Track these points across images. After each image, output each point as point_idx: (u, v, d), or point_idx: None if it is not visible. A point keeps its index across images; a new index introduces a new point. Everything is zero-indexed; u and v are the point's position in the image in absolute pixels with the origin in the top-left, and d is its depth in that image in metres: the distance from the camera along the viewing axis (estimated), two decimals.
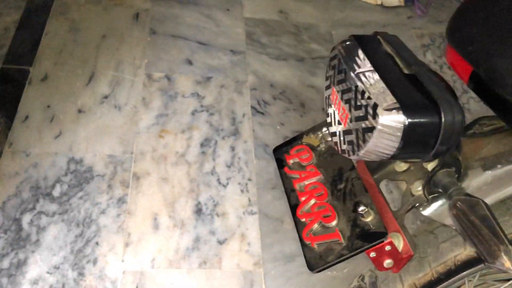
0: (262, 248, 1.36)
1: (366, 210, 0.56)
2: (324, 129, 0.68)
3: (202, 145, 1.56)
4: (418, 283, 0.75)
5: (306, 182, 0.65)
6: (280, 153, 0.71)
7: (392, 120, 0.48)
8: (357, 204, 0.58)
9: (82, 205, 1.36)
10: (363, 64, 0.54)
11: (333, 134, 0.59)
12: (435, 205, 0.61)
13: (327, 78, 0.61)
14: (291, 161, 0.69)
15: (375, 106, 0.49)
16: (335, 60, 0.59)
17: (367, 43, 0.58)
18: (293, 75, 1.83)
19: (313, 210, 0.61)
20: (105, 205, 1.37)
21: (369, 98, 0.50)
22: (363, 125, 0.51)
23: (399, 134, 0.48)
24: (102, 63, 1.72)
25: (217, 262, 1.33)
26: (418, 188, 0.62)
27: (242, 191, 1.47)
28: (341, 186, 0.62)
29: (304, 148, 0.69)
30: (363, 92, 0.51)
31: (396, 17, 2.15)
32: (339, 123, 0.57)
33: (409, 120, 0.48)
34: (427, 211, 0.62)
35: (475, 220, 0.50)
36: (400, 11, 2.19)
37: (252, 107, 1.70)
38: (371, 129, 0.49)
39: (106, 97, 1.63)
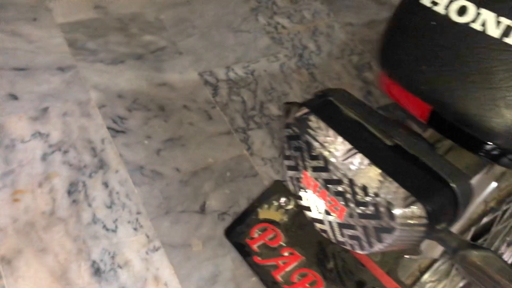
0: (181, 283, 1.26)
1: None
2: (282, 199, 0.60)
3: (69, 193, 1.34)
4: None
5: (289, 270, 0.57)
6: (237, 237, 0.61)
7: (413, 216, 0.42)
8: (360, 286, 0.53)
9: None
10: (340, 145, 0.47)
11: (318, 221, 0.51)
12: (423, 248, 0.59)
13: (289, 158, 0.52)
14: (256, 246, 0.60)
15: (388, 205, 0.42)
16: (296, 140, 0.50)
17: (326, 112, 0.50)
18: (139, 77, 1.65)
19: None
20: None
21: (376, 195, 0.43)
22: (376, 225, 0.44)
23: (424, 224, 0.43)
24: None
25: None
26: None
27: (135, 229, 1.32)
28: (331, 265, 0.56)
29: (267, 226, 0.60)
30: (364, 188, 0.44)
31: None
32: (328, 213, 0.49)
33: (430, 209, 0.43)
34: (418, 256, 0.59)
35: (493, 274, 0.49)
36: None
37: (109, 128, 1.50)
38: (389, 229, 0.43)
39: None
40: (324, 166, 0.47)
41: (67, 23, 1.72)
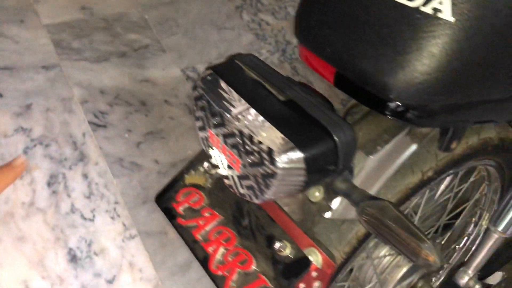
0: (155, 269, 1.29)
1: (281, 243, 0.54)
2: (206, 164, 0.62)
3: (49, 184, 1.38)
4: None
5: (208, 229, 0.59)
6: (165, 202, 0.64)
7: (291, 161, 0.45)
8: (269, 240, 0.55)
9: None
10: (236, 102, 0.50)
11: (225, 177, 0.54)
12: (335, 206, 0.61)
13: (198, 119, 0.55)
14: (181, 209, 0.62)
15: (269, 151, 0.45)
16: (202, 100, 0.53)
17: (229, 73, 0.53)
18: (122, 74, 1.70)
19: (227, 259, 0.57)
20: None
21: (260, 142, 0.46)
22: (261, 171, 0.47)
23: (303, 171, 0.45)
24: None
25: None
26: (315, 194, 0.61)
27: (112, 218, 1.35)
28: (246, 222, 0.58)
29: (191, 190, 0.63)
30: (250, 137, 0.46)
31: None
32: (230, 168, 0.52)
33: (308, 155, 0.45)
34: (330, 215, 0.61)
35: (388, 223, 0.50)
36: None
37: (90, 123, 1.54)
38: (272, 174, 0.45)
39: None
40: (222, 122, 0.50)
41: (53, 24, 1.78)
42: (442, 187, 0.96)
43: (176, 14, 1.95)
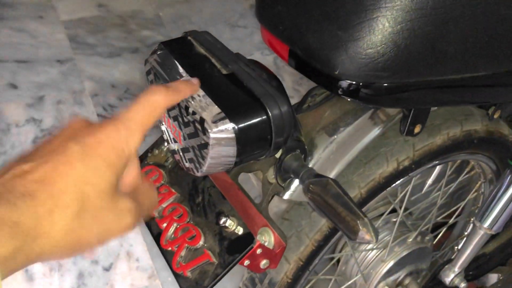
0: (152, 259, 1.30)
1: (227, 220, 0.54)
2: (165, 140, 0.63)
3: None
4: (302, 256, 0.76)
5: (164, 206, 0.60)
6: None
7: (222, 131, 0.45)
8: (219, 216, 0.55)
9: None
10: (180, 75, 0.50)
11: (174, 152, 0.54)
12: (292, 188, 0.61)
13: None
14: None
15: (201, 121, 0.45)
16: (151, 74, 0.54)
17: (180, 48, 0.54)
18: (133, 69, 1.73)
19: (177, 235, 0.57)
20: None
21: (194, 113, 0.46)
22: (198, 142, 0.47)
23: (233, 142, 0.46)
24: None
25: None
26: (273, 176, 0.61)
27: None
28: (199, 199, 0.59)
29: (152, 168, 0.63)
30: (186, 108, 0.47)
31: None
32: (175, 141, 0.52)
33: (238, 126, 0.45)
34: (286, 195, 0.61)
35: (329, 200, 0.50)
36: None
37: (99, 115, 1.58)
38: (206, 145, 0.46)
39: None
40: None
41: (70, 20, 1.84)
42: (429, 181, 0.94)
43: (190, 12, 1.98)
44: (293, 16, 0.54)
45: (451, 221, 1.04)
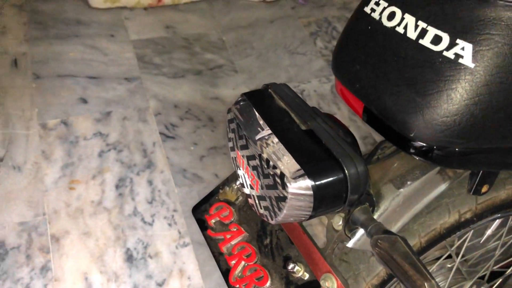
0: (203, 279, 1.35)
1: (295, 266, 0.57)
2: (238, 181, 0.67)
3: (117, 187, 1.50)
4: None
5: (233, 243, 0.64)
6: (199, 213, 0.69)
7: (301, 188, 0.48)
8: (286, 260, 0.58)
9: (2, 286, 1.26)
10: (261, 127, 0.54)
11: (248, 196, 0.58)
12: (357, 236, 0.63)
13: (229, 140, 0.60)
14: (212, 221, 0.67)
15: (282, 176, 0.49)
16: (233, 123, 0.58)
17: (261, 100, 0.58)
18: (195, 91, 1.80)
19: (245, 274, 0.61)
20: (28, 279, 1.28)
21: (274, 167, 0.49)
22: (275, 194, 0.50)
23: (311, 198, 0.49)
24: None
25: None
26: (339, 223, 0.63)
27: (170, 224, 1.44)
28: (267, 241, 0.62)
29: (223, 205, 0.67)
30: (267, 161, 0.50)
31: (280, 10, 2.18)
32: (252, 188, 0.56)
33: (316, 183, 0.48)
34: (350, 244, 0.63)
35: (397, 258, 0.52)
36: (283, 3, 2.22)
37: (161, 133, 1.65)
38: (284, 198, 0.49)
39: (1, 159, 1.50)
40: (246, 144, 0.54)
41: (139, 40, 1.94)
42: (489, 232, 0.93)
43: (252, 37, 2.04)
44: (371, 76, 0.57)
45: (509, 271, 1.03)
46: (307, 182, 0.48)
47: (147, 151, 1.60)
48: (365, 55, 0.58)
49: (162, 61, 1.88)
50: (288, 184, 0.48)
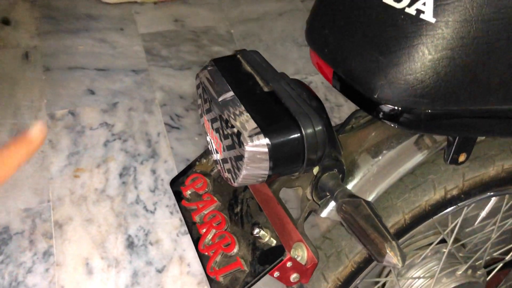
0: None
1: (260, 230, 0.56)
2: (209, 147, 0.67)
3: (121, 175, 1.51)
4: (340, 276, 0.76)
5: (205, 212, 0.63)
6: (176, 186, 0.69)
7: (256, 146, 0.47)
8: (253, 226, 0.57)
9: (5, 269, 1.28)
10: (224, 90, 0.53)
11: (216, 162, 0.58)
12: (330, 206, 0.62)
13: (198, 106, 0.60)
14: (188, 192, 0.67)
15: (238, 135, 0.48)
16: (200, 88, 0.58)
17: (228, 66, 0.57)
18: None
19: (214, 241, 0.60)
20: (30, 263, 1.30)
21: (232, 126, 0.49)
22: (234, 154, 0.50)
23: (266, 156, 0.48)
24: None
25: None
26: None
27: (171, 213, 1.45)
28: (238, 209, 0.62)
29: (198, 176, 0.67)
30: (226, 121, 0.50)
31: (290, 4, 2.18)
32: (217, 152, 0.56)
33: (272, 141, 0.47)
34: (323, 214, 0.62)
35: (360, 221, 0.51)
36: None
37: (166, 124, 1.66)
38: (241, 157, 0.48)
39: None
40: (209, 108, 0.54)
41: (148, 33, 1.96)
42: (483, 214, 0.91)
43: (260, 30, 2.04)
44: (338, 39, 0.56)
45: (508, 257, 0.99)
46: (263, 141, 0.47)
47: (152, 141, 1.61)
48: (332, 19, 0.57)
49: (170, 53, 1.89)
50: (244, 142, 0.47)
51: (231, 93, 0.53)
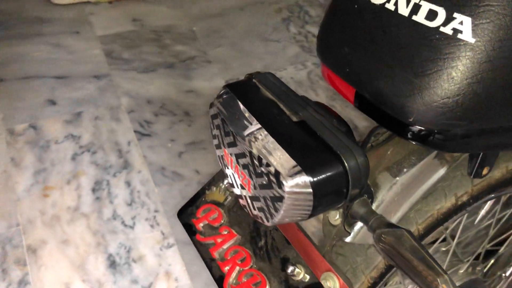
0: (191, 279, 1.30)
1: (294, 268, 0.53)
2: (226, 181, 0.62)
3: (94, 190, 1.43)
4: None
5: (225, 247, 0.59)
6: (186, 217, 0.65)
7: (298, 185, 0.44)
8: (284, 262, 0.54)
9: None
10: (249, 121, 0.49)
11: (239, 197, 0.53)
12: (356, 231, 0.60)
13: (214, 137, 0.55)
14: (201, 225, 0.63)
15: (277, 174, 0.44)
16: (217, 119, 0.53)
17: (245, 92, 0.53)
18: (168, 84, 1.74)
19: (240, 280, 0.56)
20: None
21: (267, 165, 0.45)
22: (270, 194, 0.46)
23: (310, 196, 0.44)
24: None
25: None
26: (335, 218, 0.59)
27: (152, 226, 1.38)
28: (262, 243, 0.58)
29: (211, 206, 0.63)
30: (259, 158, 0.46)
31: None
32: (243, 188, 0.52)
33: (315, 179, 0.44)
34: (349, 239, 0.60)
35: (404, 253, 0.48)
36: None
37: (136, 131, 1.59)
38: (280, 198, 0.45)
39: None
40: (233, 141, 0.50)
41: (106, 35, 1.86)
42: (483, 212, 0.91)
43: (223, 26, 1.98)
44: (362, 59, 0.52)
45: (502, 249, 1.01)
46: (305, 179, 0.44)
47: (123, 151, 1.53)
48: (353, 37, 0.54)
49: (132, 55, 1.80)
50: (284, 182, 0.44)
51: (257, 125, 0.49)
